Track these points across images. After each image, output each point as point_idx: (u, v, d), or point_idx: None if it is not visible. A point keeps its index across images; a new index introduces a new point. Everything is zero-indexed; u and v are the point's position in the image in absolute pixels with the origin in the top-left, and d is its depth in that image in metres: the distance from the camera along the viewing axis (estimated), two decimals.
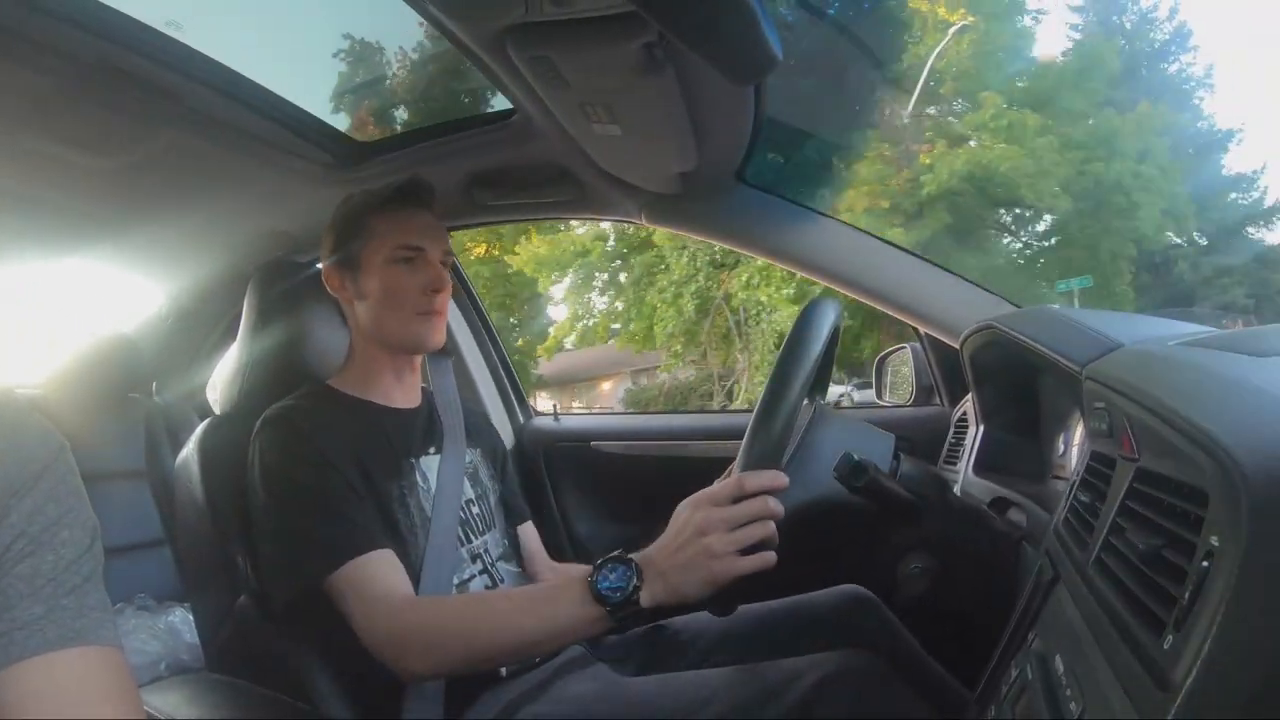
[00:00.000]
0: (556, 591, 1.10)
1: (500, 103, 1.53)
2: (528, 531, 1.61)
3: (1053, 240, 16.91)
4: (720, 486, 1.08)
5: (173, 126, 1.49)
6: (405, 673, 1.15)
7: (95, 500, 0.69)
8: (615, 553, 1.09)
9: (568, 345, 18.85)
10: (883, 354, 2.38)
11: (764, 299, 15.66)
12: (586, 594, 1.05)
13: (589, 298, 18.44)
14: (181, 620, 2.02)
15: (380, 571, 1.19)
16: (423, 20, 1.19)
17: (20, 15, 1.14)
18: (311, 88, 1.65)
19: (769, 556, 1.05)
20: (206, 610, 1.40)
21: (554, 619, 1.08)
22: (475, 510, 1.42)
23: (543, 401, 3.24)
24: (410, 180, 1.40)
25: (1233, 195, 24.36)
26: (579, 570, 1.10)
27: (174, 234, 2.06)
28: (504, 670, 1.29)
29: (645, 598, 1.04)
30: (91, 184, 1.68)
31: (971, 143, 14.79)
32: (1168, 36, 25.39)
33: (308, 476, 1.23)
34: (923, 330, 1.91)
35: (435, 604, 1.17)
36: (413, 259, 1.36)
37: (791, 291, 15.07)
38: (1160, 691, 0.49)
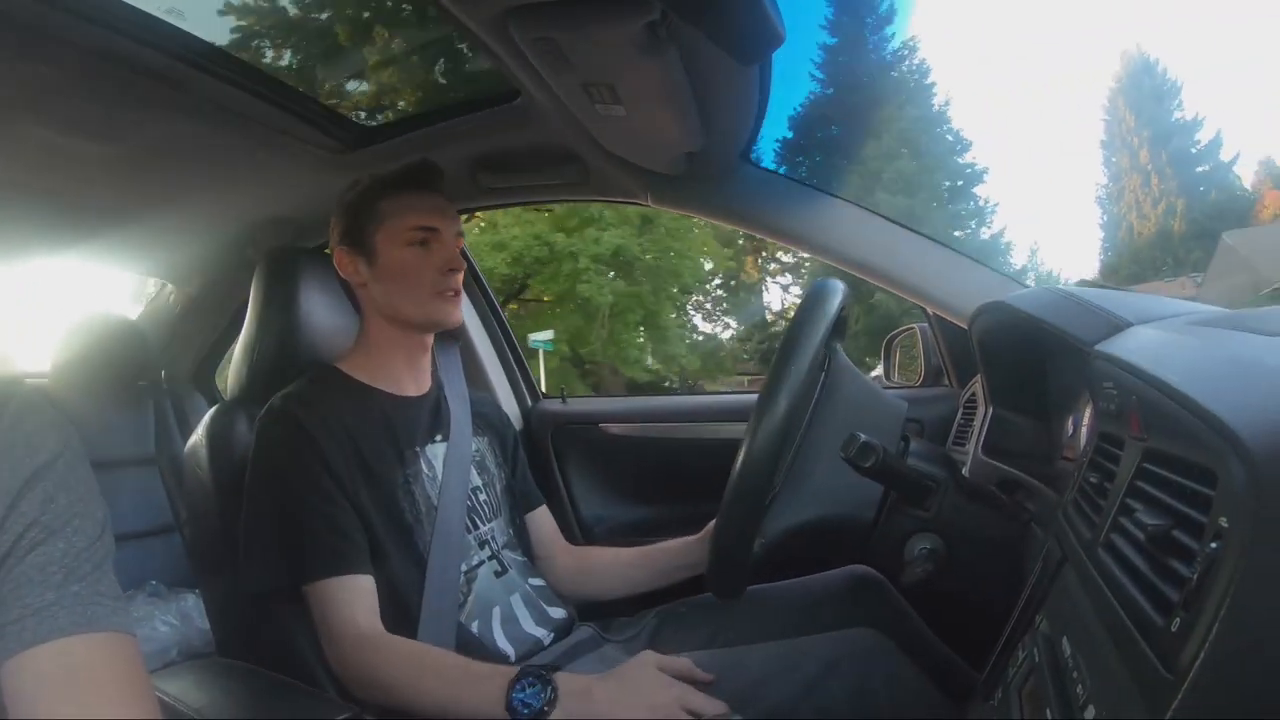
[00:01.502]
0: (485, 681, 1.09)
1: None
2: (542, 517, 1.62)
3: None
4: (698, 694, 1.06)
5: (174, 113, 1.49)
6: (347, 693, 1.18)
7: (106, 488, 0.69)
8: (544, 667, 1.08)
9: None
10: (891, 335, 2.37)
11: None
12: (502, 698, 1.05)
13: None
14: (193, 606, 2.04)
15: (346, 598, 1.21)
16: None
17: (20, 3, 1.13)
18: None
19: None
20: (217, 595, 1.41)
21: (475, 709, 1.08)
22: (482, 497, 1.43)
23: None
24: (420, 163, 1.41)
25: (965, 231, 26.06)
26: (504, 672, 1.09)
27: (178, 222, 2.06)
28: (512, 654, 1.30)
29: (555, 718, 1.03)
30: (93, 172, 1.68)
31: None
32: (905, 74, 26.30)
33: (300, 482, 1.24)
34: (931, 311, 1.90)
35: (385, 650, 1.18)
36: (427, 240, 1.37)
37: None
38: (1168, 674, 0.49)
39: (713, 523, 1.43)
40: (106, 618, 0.65)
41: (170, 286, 2.52)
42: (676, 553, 1.51)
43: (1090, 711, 0.60)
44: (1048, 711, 0.68)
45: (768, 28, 1.08)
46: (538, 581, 1.46)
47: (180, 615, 2.02)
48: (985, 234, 27.65)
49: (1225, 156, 34.71)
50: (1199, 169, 34.39)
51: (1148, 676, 0.51)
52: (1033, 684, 0.76)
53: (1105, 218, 36.05)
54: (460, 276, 1.40)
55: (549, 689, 1.04)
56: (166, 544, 2.30)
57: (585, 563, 1.59)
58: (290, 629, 1.25)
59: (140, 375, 2.47)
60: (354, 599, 1.21)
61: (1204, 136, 34.75)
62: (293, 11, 1.60)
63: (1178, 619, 0.50)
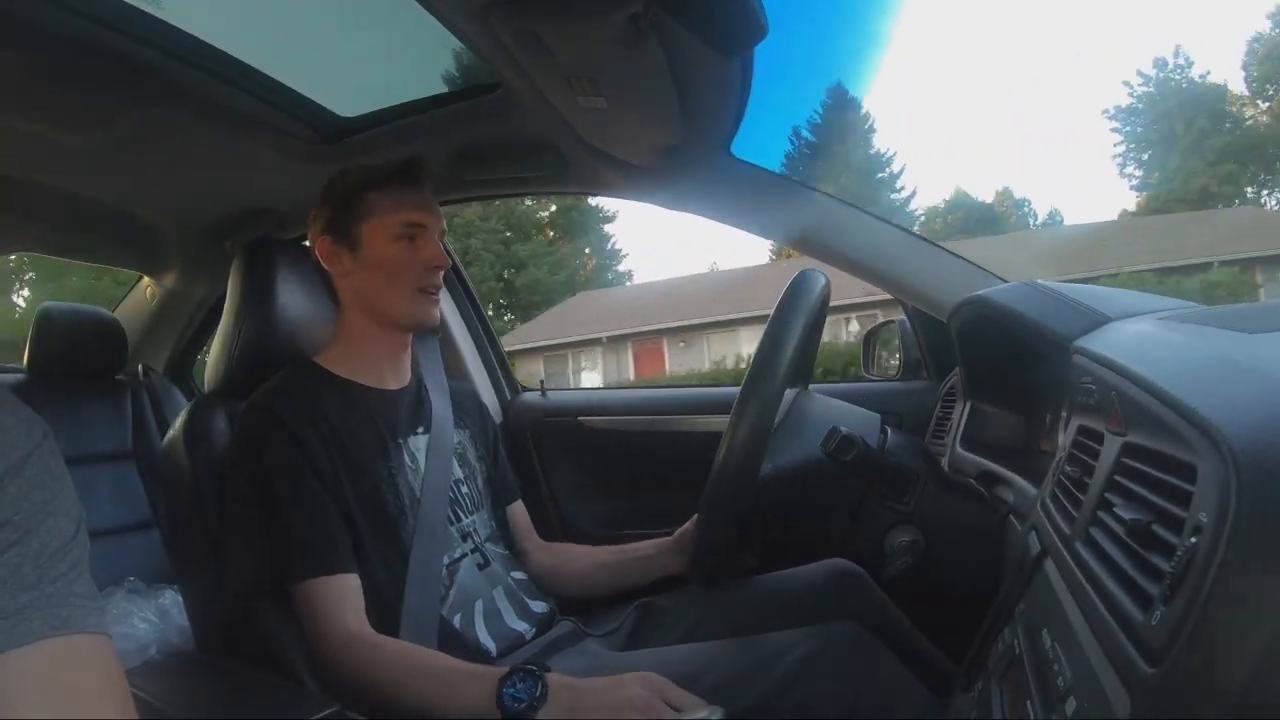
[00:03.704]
0: (475, 681, 1.09)
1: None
2: (517, 511, 1.62)
3: None
4: (683, 693, 1.05)
5: (153, 103, 1.47)
6: (329, 690, 1.18)
7: (84, 483, 0.68)
8: (535, 665, 1.09)
9: None
10: (871, 328, 2.38)
11: None
12: (493, 694, 1.05)
13: None
14: (172, 602, 2.02)
15: (332, 598, 1.20)
16: None
17: None
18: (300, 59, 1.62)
19: None
20: (196, 591, 1.40)
21: (465, 708, 1.08)
22: (464, 490, 1.43)
23: None
24: (411, 159, 1.40)
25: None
26: (494, 671, 1.09)
27: (154, 213, 2.04)
28: (494, 649, 1.30)
29: (542, 716, 1.03)
30: (69, 163, 1.66)
31: None
32: None
33: (284, 480, 1.24)
34: (910, 304, 1.91)
35: (374, 651, 1.18)
36: (414, 236, 1.37)
37: None
38: (1149, 666, 0.49)
39: (688, 523, 1.44)
40: (81, 619, 0.63)
41: (147, 279, 2.49)
42: (649, 555, 1.53)
43: (1071, 704, 0.60)
44: (1028, 704, 0.69)
45: (751, 20, 1.08)
46: (519, 575, 1.46)
47: (159, 612, 1.99)
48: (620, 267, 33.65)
49: (903, 193, 37.64)
50: (872, 205, 37.21)
51: (1129, 669, 0.52)
52: (1013, 676, 0.77)
53: (771, 253, 38.47)
54: (442, 275, 1.40)
55: (540, 684, 1.04)
56: (144, 540, 2.28)
57: (559, 560, 1.59)
58: (271, 625, 1.23)
59: (117, 369, 2.45)
60: (341, 599, 1.20)
61: (889, 173, 37.37)
62: None
63: (1158, 613, 0.50)
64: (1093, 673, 0.58)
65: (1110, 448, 0.73)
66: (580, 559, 1.59)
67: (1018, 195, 44.66)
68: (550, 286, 31.13)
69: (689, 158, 1.67)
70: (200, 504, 1.31)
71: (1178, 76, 34.39)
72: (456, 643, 1.27)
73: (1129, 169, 36.33)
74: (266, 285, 1.44)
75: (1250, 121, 32.92)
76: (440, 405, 1.47)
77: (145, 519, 2.32)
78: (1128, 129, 35.87)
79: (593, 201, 33.86)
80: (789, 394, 1.34)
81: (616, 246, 35.17)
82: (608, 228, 36.67)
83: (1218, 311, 0.89)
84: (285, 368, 1.38)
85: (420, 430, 1.42)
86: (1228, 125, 32.52)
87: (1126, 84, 36.30)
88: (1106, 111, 36.38)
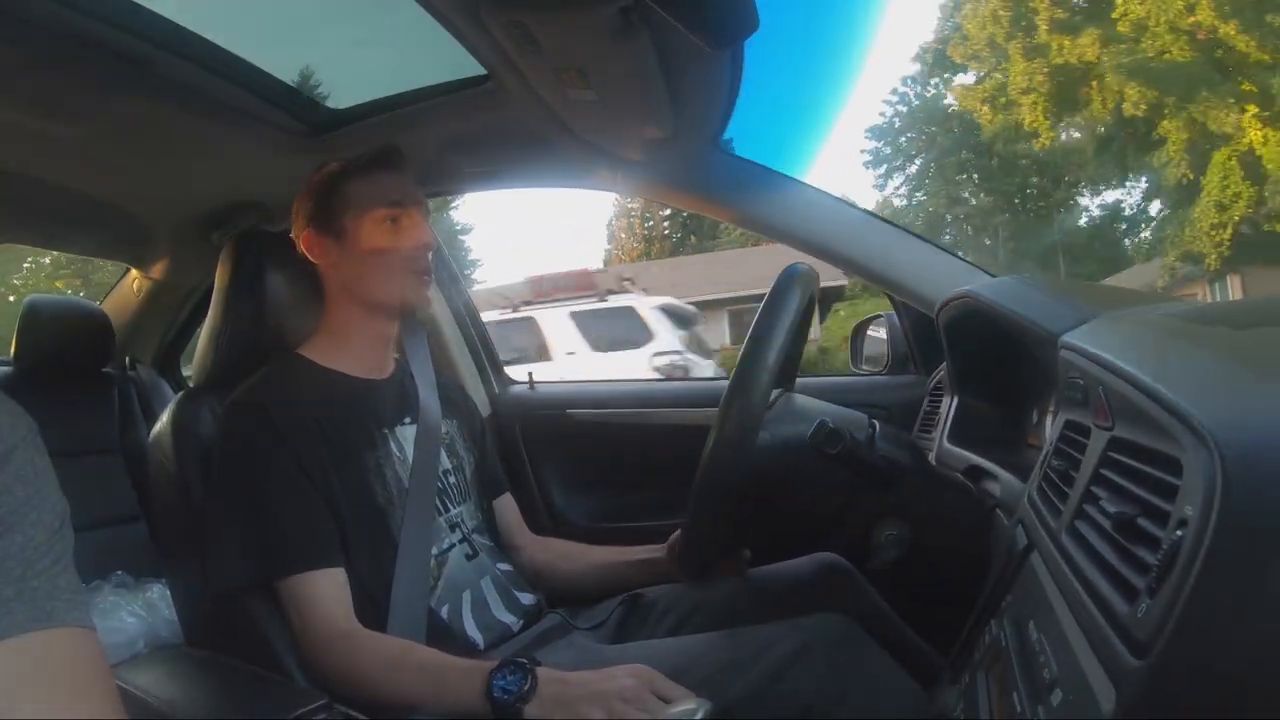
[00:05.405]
0: (465, 675, 1.10)
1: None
2: (506, 504, 1.61)
3: None
4: (672, 685, 1.05)
5: (139, 94, 1.46)
6: (318, 686, 1.17)
7: (71, 476, 0.68)
8: (524, 658, 1.09)
9: None
10: (859, 323, 2.39)
11: None
12: (482, 687, 1.06)
13: None
14: (160, 596, 2.01)
15: (320, 594, 1.20)
16: None
17: None
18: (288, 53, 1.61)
19: None
20: (183, 585, 1.40)
21: (455, 702, 1.08)
22: (452, 480, 1.43)
23: None
24: (384, 147, 1.40)
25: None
26: (484, 665, 1.09)
27: (141, 205, 2.02)
28: (481, 642, 1.30)
29: (531, 709, 1.03)
30: (56, 154, 1.65)
31: None
32: None
33: (270, 477, 1.24)
34: (899, 299, 1.91)
35: (364, 648, 1.18)
36: (398, 218, 1.36)
37: None
38: (1135, 658, 0.50)
39: (678, 532, 1.44)
40: (66, 613, 0.63)
41: (134, 271, 2.48)
42: (647, 559, 1.53)
43: (1057, 695, 0.61)
44: (1014, 696, 0.70)
45: (741, 14, 1.08)
46: (506, 566, 1.46)
47: (147, 606, 1.98)
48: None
49: None
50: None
51: (1114, 661, 0.52)
52: (1000, 668, 0.77)
53: (606, 256, 39.17)
54: (430, 255, 1.40)
55: (529, 677, 1.04)
56: (132, 533, 2.27)
57: (552, 558, 1.59)
58: (259, 618, 1.23)
59: (105, 362, 2.43)
60: (328, 594, 1.20)
61: None
62: None
63: (1143, 605, 0.51)
64: (1078, 665, 0.58)
65: (1096, 442, 0.73)
66: (575, 559, 1.59)
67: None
68: None
69: (679, 151, 1.67)
70: (187, 497, 1.30)
71: (929, 93, 33.13)
72: (444, 634, 1.27)
73: (889, 187, 35.00)
74: (254, 278, 1.43)
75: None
76: (427, 395, 1.47)
77: (132, 512, 2.31)
78: (879, 147, 34.59)
79: (453, 214, 34.65)
80: (773, 394, 1.34)
81: (473, 258, 37.59)
82: (465, 239, 37.78)
83: (1204, 308, 0.90)
84: (268, 364, 1.38)
85: (407, 420, 1.42)
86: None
87: (886, 100, 34.55)
88: (868, 132, 34.68)
